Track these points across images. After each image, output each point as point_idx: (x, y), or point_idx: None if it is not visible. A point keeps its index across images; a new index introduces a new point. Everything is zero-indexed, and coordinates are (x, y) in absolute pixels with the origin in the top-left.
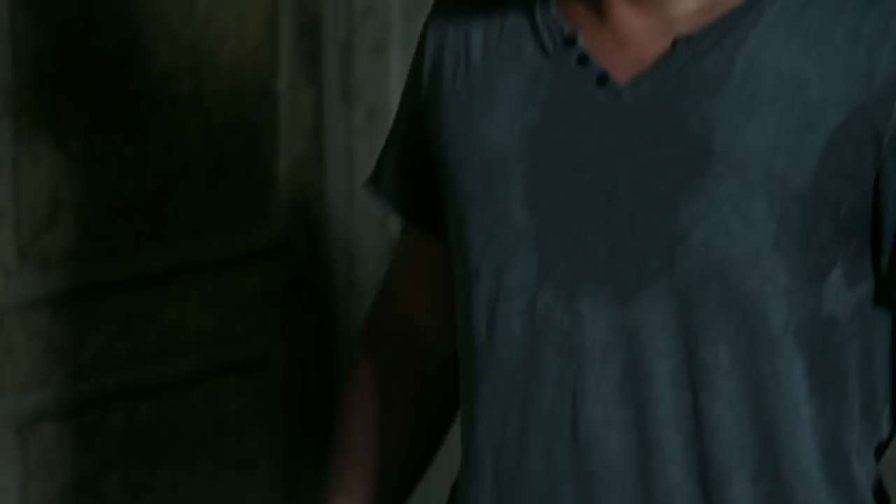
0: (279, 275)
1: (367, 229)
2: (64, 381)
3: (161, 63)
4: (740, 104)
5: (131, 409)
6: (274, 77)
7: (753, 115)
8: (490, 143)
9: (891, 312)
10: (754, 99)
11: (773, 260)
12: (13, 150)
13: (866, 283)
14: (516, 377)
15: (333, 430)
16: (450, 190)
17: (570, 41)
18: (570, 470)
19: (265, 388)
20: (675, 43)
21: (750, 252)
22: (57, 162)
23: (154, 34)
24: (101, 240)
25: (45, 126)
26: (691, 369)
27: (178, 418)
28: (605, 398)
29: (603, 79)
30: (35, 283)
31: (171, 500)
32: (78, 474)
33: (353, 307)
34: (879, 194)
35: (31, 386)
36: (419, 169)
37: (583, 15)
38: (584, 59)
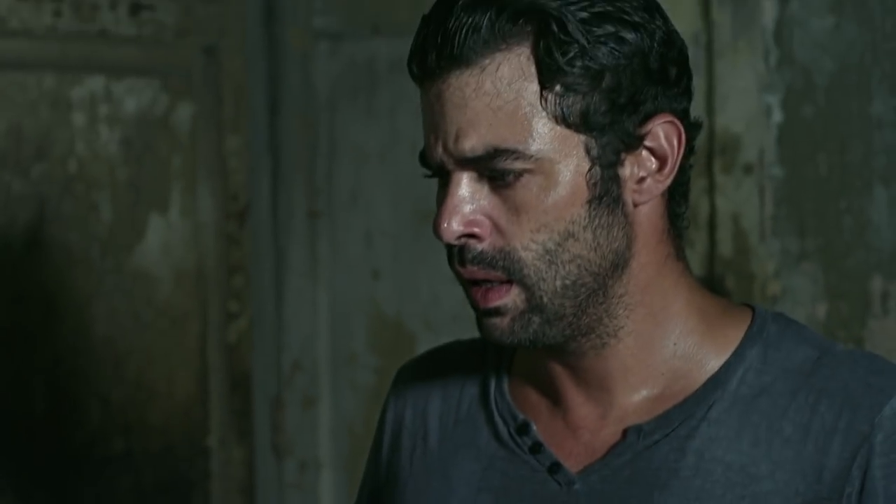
0: None
1: None
2: None
3: (92, 424)
4: (690, 497)
5: None
6: (205, 434)
7: None
8: None
9: None
10: (703, 492)
11: None
12: None
13: None
14: None
15: None
16: None
17: (523, 429)
18: None
19: None
20: (625, 433)
21: None
22: None
23: (84, 395)
24: None
25: None
26: None
27: None
28: None
29: (555, 467)
30: None
31: None
32: None
33: None
34: None
35: None
36: None
37: (537, 401)
38: (537, 447)
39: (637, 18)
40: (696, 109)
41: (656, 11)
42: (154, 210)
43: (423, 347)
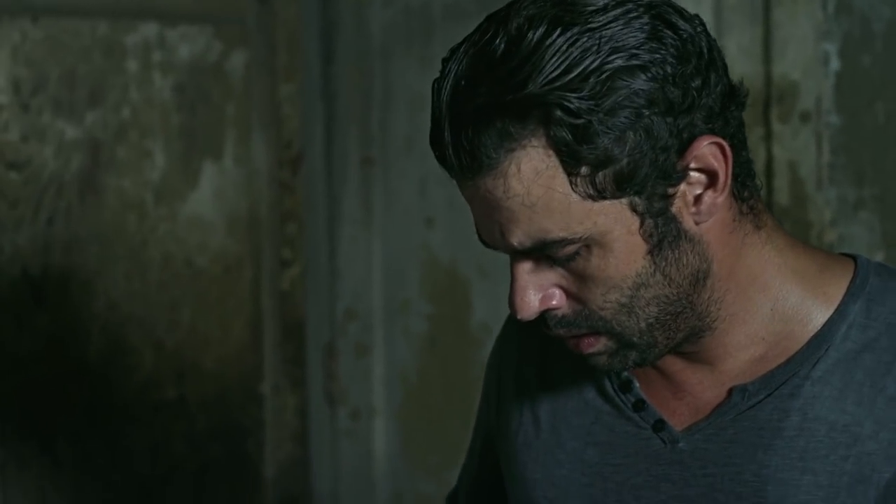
0: None
1: None
2: None
3: (146, 369)
4: (794, 458)
5: None
6: (258, 381)
7: (807, 470)
8: (553, 481)
9: None
10: (808, 452)
11: None
12: None
13: None
14: None
15: None
16: None
17: (626, 386)
18: None
19: None
20: (730, 393)
21: None
22: (43, 467)
23: (138, 341)
24: None
25: (31, 432)
26: None
27: None
28: None
29: (659, 425)
30: None
31: None
32: None
33: None
34: None
35: None
36: (493, 488)
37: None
38: (640, 404)
39: (644, 52)
40: (754, 58)
41: (659, 21)
42: (208, 157)
43: (476, 295)
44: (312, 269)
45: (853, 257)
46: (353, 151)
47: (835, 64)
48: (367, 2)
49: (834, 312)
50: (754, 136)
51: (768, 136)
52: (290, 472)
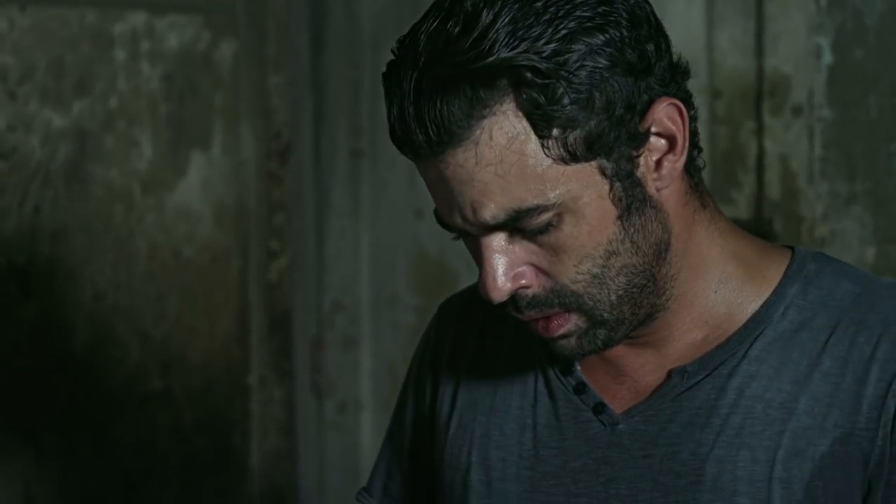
0: None
1: None
2: None
3: (132, 361)
4: (730, 434)
5: None
6: (245, 373)
7: (743, 446)
8: (490, 463)
9: None
10: (744, 429)
11: None
12: None
13: None
14: None
15: None
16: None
17: (567, 370)
18: None
19: None
20: (669, 374)
21: None
22: (28, 459)
23: (124, 332)
24: None
25: (15, 423)
26: None
27: None
28: None
29: (599, 407)
30: None
31: None
32: None
33: None
34: None
35: None
36: (418, 482)
37: None
38: (581, 388)
39: (598, 16)
40: (746, 51)
41: None
42: (196, 147)
43: (465, 286)
44: (300, 261)
45: (790, 248)
46: (342, 142)
47: (827, 58)
48: None
49: (771, 294)
50: (746, 129)
51: (760, 130)
52: (277, 464)
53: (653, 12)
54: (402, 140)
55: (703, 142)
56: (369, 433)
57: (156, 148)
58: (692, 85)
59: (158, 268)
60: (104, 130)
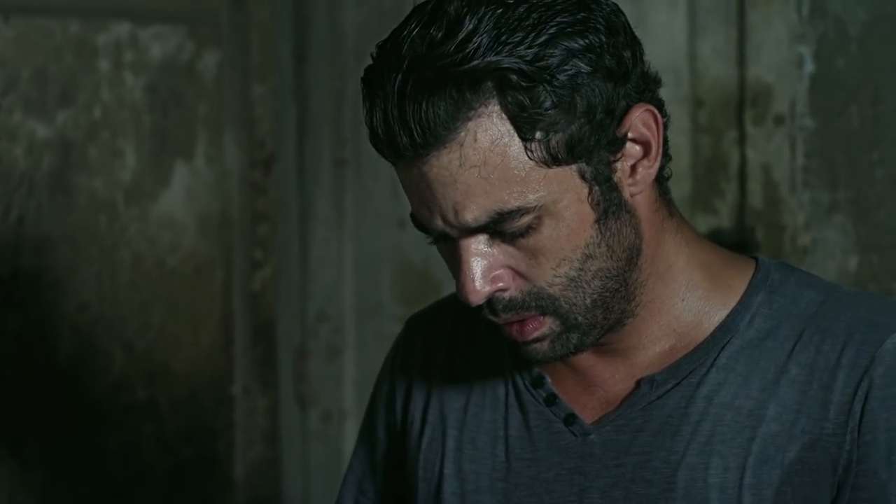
0: None
1: None
2: None
3: (116, 371)
4: (701, 442)
5: None
6: (229, 382)
7: (714, 453)
8: (464, 476)
9: None
10: (714, 436)
11: None
12: None
13: None
14: None
15: None
16: None
17: (538, 382)
18: None
19: None
20: (638, 384)
21: None
22: (13, 468)
23: (109, 342)
24: None
25: (0, 433)
26: None
27: None
28: None
29: (570, 419)
30: None
31: None
32: None
33: None
34: None
35: None
36: (391, 497)
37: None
38: (551, 399)
39: (578, 22)
40: (728, 60)
41: None
42: (179, 157)
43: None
44: (284, 271)
45: (754, 258)
46: (326, 152)
47: (809, 67)
48: (340, 2)
49: (737, 303)
50: (728, 138)
51: (742, 139)
52: (261, 473)
53: (627, 22)
54: (385, 142)
55: (686, 151)
56: (353, 442)
57: (139, 158)
58: (675, 94)
59: (142, 278)
60: (88, 141)
